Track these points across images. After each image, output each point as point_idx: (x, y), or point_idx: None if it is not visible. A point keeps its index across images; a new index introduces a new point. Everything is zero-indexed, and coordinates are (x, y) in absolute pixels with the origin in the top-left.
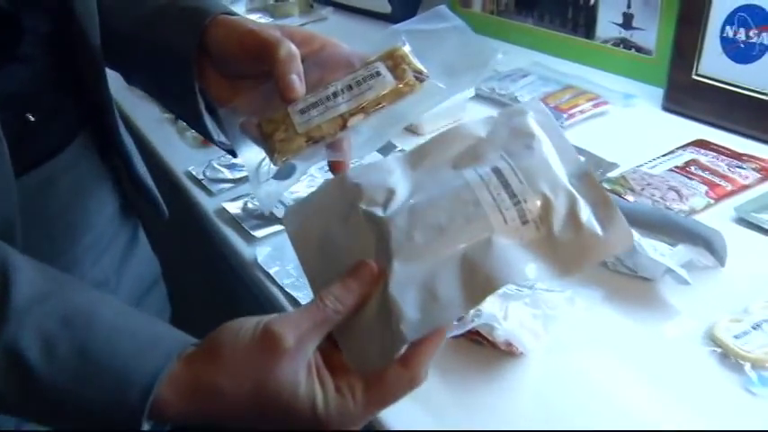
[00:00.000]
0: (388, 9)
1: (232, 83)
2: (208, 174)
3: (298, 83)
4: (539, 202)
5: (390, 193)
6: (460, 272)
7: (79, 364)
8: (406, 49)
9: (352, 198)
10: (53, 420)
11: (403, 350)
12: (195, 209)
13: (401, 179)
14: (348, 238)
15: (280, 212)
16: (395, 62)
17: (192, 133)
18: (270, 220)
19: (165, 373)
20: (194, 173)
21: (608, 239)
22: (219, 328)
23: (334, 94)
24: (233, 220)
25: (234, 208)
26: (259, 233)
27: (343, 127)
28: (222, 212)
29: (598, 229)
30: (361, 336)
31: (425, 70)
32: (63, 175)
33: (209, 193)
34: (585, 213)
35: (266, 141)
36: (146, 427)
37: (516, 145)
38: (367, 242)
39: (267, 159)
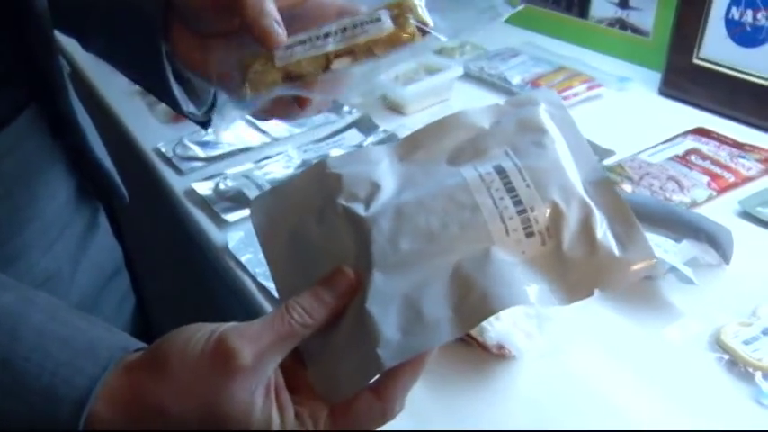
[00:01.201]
0: None
1: (203, 42)
2: (178, 151)
3: (275, 27)
4: (547, 212)
5: (374, 188)
6: (452, 288)
7: (2, 376)
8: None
9: (331, 191)
10: None
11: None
12: (163, 189)
13: (388, 172)
14: (323, 238)
15: (252, 194)
16: (401, 10)
17: (162, 107)
18: (243, 203)
19: (100, 384)
20: (163, 150)
21: (626, 261)
22: (169, 334)
23: (326, 35)
24: (203, 202)
25: (204, 189)
26: (230, 217)
27: (326, 68)
28: (192, 194)
29: (615, 249)
30: (331, 356)
31: (431, 23)
32: (6, 156)
33: (179, 171)
34: (601, 228)
35: (241, 73)
36: None
37: (524, 141)
38: (345, 244)
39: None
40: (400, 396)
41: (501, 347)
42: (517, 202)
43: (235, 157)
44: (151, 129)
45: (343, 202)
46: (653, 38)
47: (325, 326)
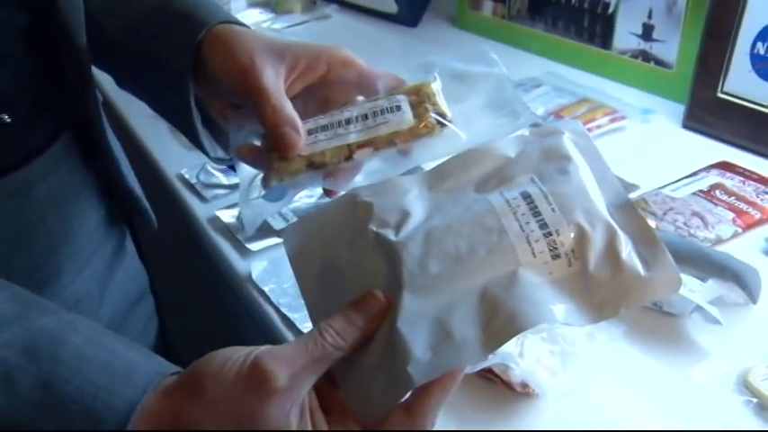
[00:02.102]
0: (394, 9)
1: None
2: (201, 178)
3: (293, 134)
4: (572, 234)
5: (404, 215)
6: (480, 309)
7: (43, 398)
8: (436, 86)
9: (362, 219)
10: None
11: (409, 394)
12: (187, 216)
13: (417, 200)
14: (354, 264)
15: (277, 224)
16: (419, 99)
17: None
18: (267, 231)
19: (139, 408)
20: (187, 176)
21: (651, 281)
22: (205, 357)
23: (347, 121)
24: (227, 230)
25: (228, 217)
26: (254, 246)
27: (349, 158)
28: (216, 221)
29: (640, 269)
30: (363, 375)
31: (449, 114)
32: (41, 181)
33: (203, 199)
34: (626, 249)
35: (265, 157)
36: None
37: (549, 168)
38: (376, 269)
39: (262, 178)
40: (431, 413)
41: (525, 386)
42: (543, 226)
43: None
44: (175, 154)
45: (375, 229)
46: (677, 70)
47: (356, 348)
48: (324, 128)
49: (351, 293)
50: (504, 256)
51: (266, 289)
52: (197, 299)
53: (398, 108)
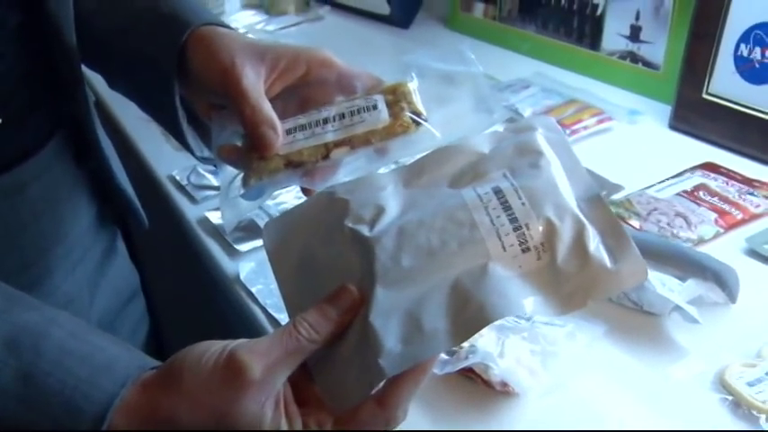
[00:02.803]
0: (386, 11)
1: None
2: (192, 179)
3: (271, 134)
4: (542, 228)
5: (379, 211)
6: (450, 301)
7: (24, 390)
8: (412, 85)
9: (339, 215)
10: None
11: (381, 385)
12: (177, 217)
13: (392, 196)
14: (331, 259)
15: (263, 223)
16: (395, 98)
17: None
18: (255, 232)
19: (118, 401)
20: (178, 178)
21: (618, 273)
22: (182, 351)
23: (325, 121)
24: (216, 232)
25: (217, 218)
26: (243, 247)
27: (326, 156)
28: (205, 222)
29: (607, 261)
30: (337, 368)
31: (424, 113)
32: (33, 181)
33: (193, 200)
34: (594, 242)
35: (245, 157)
36: None
37: (522, 163)
38: (351, 264)
39: (242, 178)
40: (402, 404)
41: (505, 385)
42: (513, 220)
43: None
44: (166, 155)
45: (350, 225)
46: (663, 71)
47: (330, 341)
48: (302, 127)
49: (327, 288)
50: (475, 249)
51: (254, 289)
52: (188, 299)
53: (375, 107)
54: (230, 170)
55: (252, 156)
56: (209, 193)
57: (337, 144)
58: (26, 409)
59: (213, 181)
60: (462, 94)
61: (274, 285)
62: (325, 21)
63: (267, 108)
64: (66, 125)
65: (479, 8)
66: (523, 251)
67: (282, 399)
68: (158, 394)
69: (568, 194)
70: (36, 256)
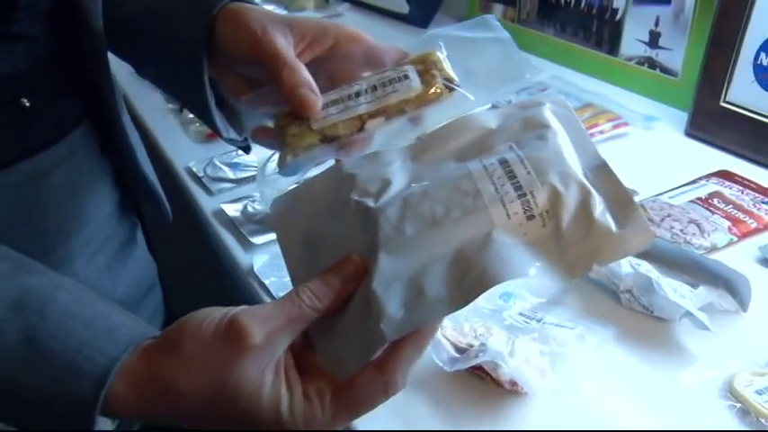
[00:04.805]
0: (405, 9)
1: (246, 79)
2: (209, 172)
3: (311, 96)
4: (546, 195)
5: (385, 184)
6: (453, 268)
7: (28, 351)
8: (441, 55)
9: (346, 189)
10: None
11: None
12: (194, 209)
13: (399, 170)
14: (337, 232)
15: None
16: (426, 67)
17: (195, 127)
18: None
19: (119, 364)
20: (195, 169)
21: (623, 236)
22: (184, 317)
23: (357, 94)
24: (231, 224)
25: (233, 210)
26: (257, 240)
27: (361, 128)
28: (221, 214)
29: (612, 226)
30: (339, 336)
31: (456, 78)
32: (58, 168)
33: (209, 192)
34: (599, 208)
35: (279, 135)
36: (99, 425)
37: (528, 136)
38: (356, 236)
39: (279, 157)
40: (402, 369)
41: (513, 384)
42: (518, 188)
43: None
44: (184, 147)
45: (356, 198)
46: (681, 78)
47: (332, 309)
48: (334, 102)
49: (332, 261)
50: (479, 217)
51: (267, 282)
52: (202, 291)
53: (406, 77)
54: (265, 151)
55: (286, 133)
56: (224, 186)
57: (371, 115)
58: (29, 370)
59: (229, 173)
60: (491, 58)
61: (288, 278)
62: (344, 18)
63: (303, 70)
64: (93, 113)
65: (498, 9)
66: (528, 219)
67: (283, 365)
68: (158, 359)
69: (574, 163)
70: (58, 242)
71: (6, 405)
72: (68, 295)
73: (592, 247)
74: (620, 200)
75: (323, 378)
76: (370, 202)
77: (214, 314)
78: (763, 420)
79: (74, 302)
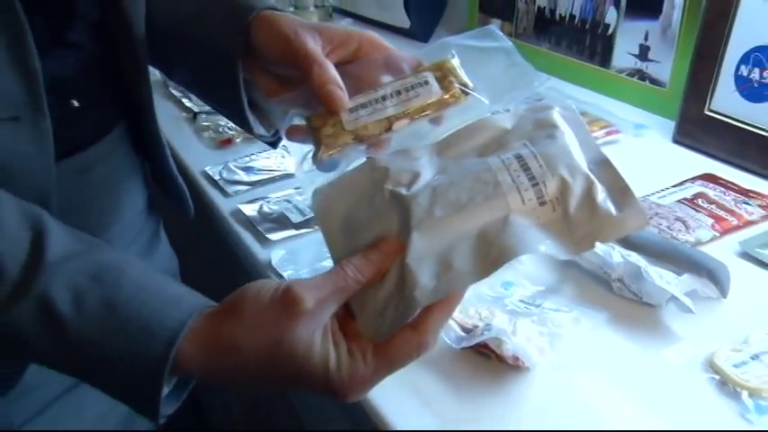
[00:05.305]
0: (406, 24)
1: (279, 77)
2: (224, 175)
3: (338, 92)
4: (556, 185)
5: (415, 176)
6: (476, 246)
7: (107, 316)
8: (455, 62)
9: (380, 180)
10: (79, 370)
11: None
12: (211, 209)
13: (427, 164)
14: (372, 217)
15: (294, 217)
16: (443, 73)
17: (209, 134)
18: (285, 224)
19: (187, 326)
20: (210, 173)
21: (622, 219)
22: (242, 287)
23: (383, 98)
24: (248, 222)
25: (250, 210)
26: (274, 236)
27: (389, 129)
28: (238, 214)
29: (613, 210)
30: (377, 304)
31: (471, 84)
32: (98, 164)
33: (225, 194)
34: (601, 195)
35: (314, 135)
36: (167, 383)
37: (539, 135)
38: (390, 220)
39: (312, 153)
40: (434, 330)
41: (516, 359)
42: (531, 178)
43: (276, 182)
44: (199, 153)
45: (390, 187)
46: (669, 89)
47: (371, 282)
48: (363, 105)
49: (369, 241)
50: (498, 203)
51: (285, 274)
52: (221, 287)
53: (426, 83)
54: (301, 148)
55: (321, 133)
56: (239, 188)
57: (398, 117)
58: (108, 333)
59: (244, 177)
60: (498, 65)
61: (304, 271)
62: None
63: (332, 69)
64: (130, 114)
65: (496, 24)
66: (540, 204)
67: (330, 328)
68: (222, 323)
69: (580, 158)
70: (97, 232)
71: (86, 363)
72: (137, 269)
73: (595, 227)
74: (620, 188)
75: (363, 339)
76: (403, 191)
77: (269, 284)
78: (738, 389)
79: (142, 275)
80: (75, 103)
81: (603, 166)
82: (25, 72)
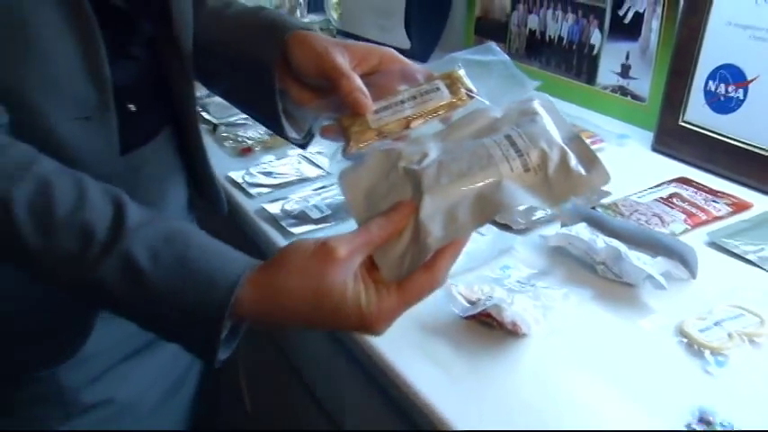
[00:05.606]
0: (407, 45)
1: (309, 87)
2: (247, 179)
3: (363, 98)
4: (537, 155)
5: (424, 155)
6: (474, 203)
7: (178, 269)
8: (461, 72)
9: (394, 159)
10: (150, 316)
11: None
12: (237, 208)
13: (433, 146)
14: (389, 188)
15: (314, 214)
16: (451, 81)
17: (230, 143)
18: (305, 219)
19: (244, 276)
20: (234, 177)
21: (590, 178)
22: (285, 245)
23: (402, 101)
24: (272, 219)
25: (273, 209)
26: (296, 230)
27: (407, 126)
28: (262, 212)
29: (582, 171)
30: (396, 254)
31: (475, 90)
32: (148, 162)
33: (249, 195)
34: (573, 161)
35: (344, 133)
36: (226, 324)
37: (524, 120)
38: (404, 190)
39: (342, 147)
40: (444, 269)
41: (515, 324)
42: (517, 151)
43: (295, 185)
44: (222, 160)
45: (403, 164)
46: (648, 103)
47: (392, 237)
48: (385, 108)
49: (387, 206)
50: (492, 170)
51: None
52: None
53: (438, 89)
54: (331, 144)
55: (350, 130)
56: (261, 190)
57: (414, 117)
58: (178, 283)
59: (264, 180)
60: (497, 74)
61: None
62: None
63: (357, 78)
64: (177, 119)
65: None
66: (525, 171)
67: (359, 274)
68: (271, 273)
69: (556, 135)
70: None
71: (158, 310)
72: (200, 235)
73: (569, 186)
74: (587, 156)
75: (386, 282)
76: (415, 166)
77: (309, 240)
78: (701, 349)
79: (205, 239)
80: (132, 108)
81: (575, 141)
82: (97, 78)
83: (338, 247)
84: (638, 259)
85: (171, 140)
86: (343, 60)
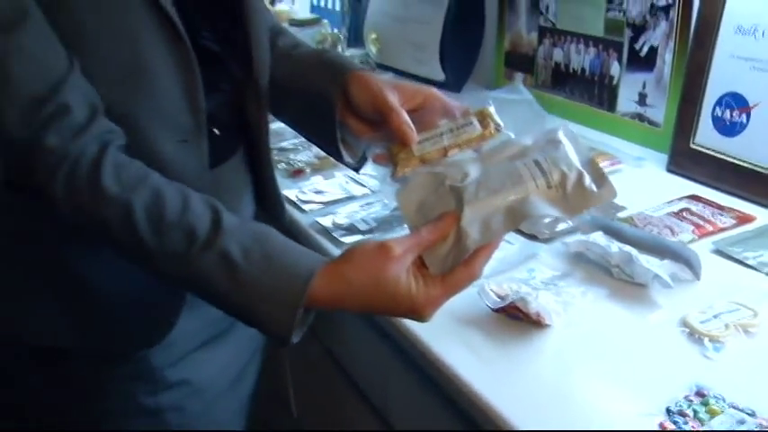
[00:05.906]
0: (441, 77)
1: (364, 119)
2: (300, 197)
3: (409, 130)
4: (558, 175)
5: (465, 175)
6: (506, 214)
7: (265, 263)
8: (491, 109)
9: (441, 179)
10: (239, 303)
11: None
12: (292, 221)
13: (473, 168)
14: (437, 201)
15: (362, 226)
16: (483, 117)
17: (282, 165)
18: (354, 231)
19: (317, 269)
20: (288, 195)
21: (600, 193)
22: (351, 246)
23: (441, 134)
24: (324, 231)
25: (326, 222)
26: (347, 240)
27: (445, 155)
28: (315, 225)
29: (595, 188)
30: (441, 254)
31: (502, 124)
32: (225, 178)
33: (303, 211)
34: (588, 181)
35: (392, 159)
36: (301, 307)
37: (549, 147)
38: (449, 203)
39: (391, 172)
40: (479, 266)
41: (538, 315)
42: (542, 172)
43: (343, 202)
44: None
45: (449, 183)
46: (663, 128)
47: (438, 241)
48: (427, 139)
49: (435, 216)
50: (521, 187)
51: None
52: None
53: (471, 123)
54: (382, 170)
55: (397, 158)
56: (313, 206)
57: (451, 147)
58: (265, 274)
59: (315, 198)
60: (522, 111)
61: None
62: None
63: (405, 114)
64: (250, 142)
65: (519, 77)
66: (548, 188)
67: (411, 269)
68: (340, 266)
69: (575, 159)
70: None
71: (247, 298)
72: (281, 236)
73: (584, 200)
74: (599, 175)
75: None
76: (458, 184)
77: (370, 242)
78: (702, 338)
79: (284, 238)
80: (216, 132)
81: (590, 163)
82: (195, 108)
83: (395, 247)
84: (648, 262)
85: (244, 160)
86: (393, 98)
